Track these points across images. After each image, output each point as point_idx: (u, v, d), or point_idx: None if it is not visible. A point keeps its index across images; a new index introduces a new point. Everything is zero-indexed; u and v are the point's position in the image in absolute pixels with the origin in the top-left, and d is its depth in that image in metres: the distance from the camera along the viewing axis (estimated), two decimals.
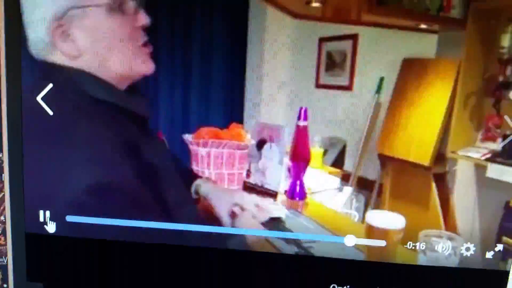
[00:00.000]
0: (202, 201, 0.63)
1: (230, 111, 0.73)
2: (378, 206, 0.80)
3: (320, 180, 0.75)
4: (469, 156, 0.65)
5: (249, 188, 0.71)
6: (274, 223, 0.66)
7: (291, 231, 0.64)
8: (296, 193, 0.69)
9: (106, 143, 0.50)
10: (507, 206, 0.60)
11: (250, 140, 0.66)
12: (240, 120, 0.71)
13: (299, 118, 0.64)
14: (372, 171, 0.80)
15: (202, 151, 0.63)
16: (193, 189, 0.63)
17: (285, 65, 0.80)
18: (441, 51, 0.64)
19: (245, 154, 0.66)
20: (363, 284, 0.58)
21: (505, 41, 0.55)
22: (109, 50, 0.49)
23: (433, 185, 0.73)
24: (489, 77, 0.59)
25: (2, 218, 0.64)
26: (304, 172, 0.68)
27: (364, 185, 0.80)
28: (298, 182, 0.68)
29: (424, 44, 0.63)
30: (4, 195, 0.61)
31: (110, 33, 0.49)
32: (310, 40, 0.77)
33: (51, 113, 0.53)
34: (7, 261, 0.64)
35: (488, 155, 0.62)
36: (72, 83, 0.50)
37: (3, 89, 0.57)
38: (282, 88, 0.80)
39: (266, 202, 0.64)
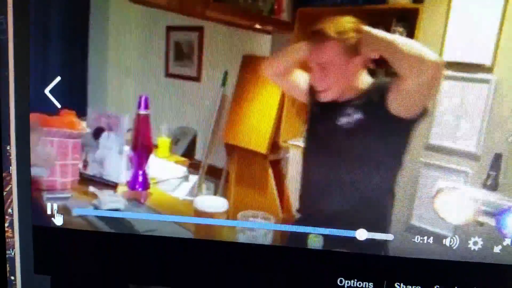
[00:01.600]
0: None
1: (64, 97, 0.68)
2: (225, 192, 0.85)
3: (166, 169, 0.75)
4: (298, 145, 0.74)
5: (87, 180, 0.68)
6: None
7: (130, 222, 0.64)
8: (139, 183, 0.68)
9: None
10: None
11: (85, 128, 0.63)
12: (79, 108, 0.67)
13: (139, 106, 0.63)
14: (221, 160, 0.84)
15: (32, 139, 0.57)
16: None
17: (132, 52, 0.78)
18: (275, 50, 0.70)
19: (79, 143, 0.62)
20: (371, 277, 0.60)
21: None
22: None
23: (270, 170, 0.81)
24: None
25: (10, 210, 0.63)
26: (147, 162, 0.67)
27: (213, 173, 0.84)
28: (140, 172, 0.67)
29: (260, 43, 0.68)
30: (11, 187, 0.61)
31: None
32: (158, 28, 0.76)
33: None
34: (14, 254, 0.63)
35: None
36: None
37: (11, 82, 0.57)
38: (129, 75, 0.78)
39: (105, 193, 0.63)
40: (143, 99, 0.62)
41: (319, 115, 0.65)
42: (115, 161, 0.66)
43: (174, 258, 0.62)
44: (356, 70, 0.61)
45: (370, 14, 0.60)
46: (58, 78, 0.66)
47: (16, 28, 0.57)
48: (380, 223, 0.64)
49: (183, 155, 0.85)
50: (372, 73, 0.63)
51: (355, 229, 0.61)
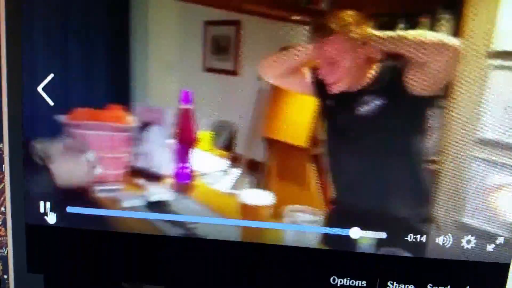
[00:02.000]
0: None
1: (112, 92, 0.70)
2: (266, 186, 0.84)
3: (208, 162, 0.76)
4: None
5: (135, 172, 0.70)
6: (160, 206, 0.66)
7: (178, 214, 0.64)
8: (183, 176, 0.69)
9: None
10: None
11: (132, 122, 0.65)
12: (122, 102, 0.69)
13: (181, 100, 0.64)
14: (260, 154, 0.84)
15: (77, 133, 0.60)
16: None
17: (172, 47, 0.79)
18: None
19: (126, 137, 0.64)
20: (364, 276, 0.60)
21: None
22: None
23: (311, 165, 0.80)
24: None
25: (3, 209, 0.63)
26: (190, 155, 0.68)
27: (253, 167, 0.84)
28: (184, 165, 0.69)
29: (298, 34, 0.68)
30: (4, 185, 0.60)
31: None
32: (195, 23, 0.77)
33: None
34: (7, 252, 0.63)
35: None
36: None
37: (4, 79, 0.57)
38: (169, 70, 0.79)
39: (152, 185, 0.64)
40: (184, 93, 0.63)
41: (335, 108, 0.63)
42: (160, 154, 0.67)
43: (167, 256, 0.62)
44: (365, 59, 0.59)
45: (415, 1, 0.58)
46: (103, 73, 0.68)
47: (8, 28, 0.57)
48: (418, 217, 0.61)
49: (223, 148, 0.85)
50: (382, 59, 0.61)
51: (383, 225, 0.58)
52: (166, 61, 0.76)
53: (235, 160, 0.81)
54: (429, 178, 0.60)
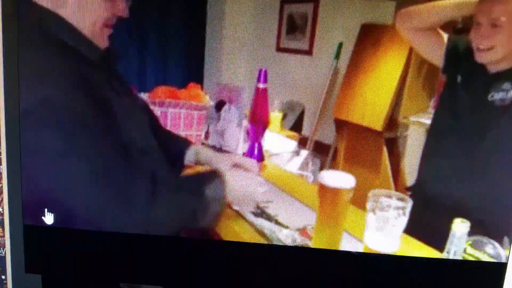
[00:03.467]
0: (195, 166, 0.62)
1: (189, 70, 0.71)
2: (333, 169, 0.83)
3: (278, 143, 0.76)
4: (421, 122, 0.68)
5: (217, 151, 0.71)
6: None
7: None
8: (254, 155, 0.69)
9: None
10: None
11: (209, 101, 0.65)
12: (199, 80, 0.70)
13: (258, 80, 0.63)
14: (328, 136, 0.82)
15: (158, 111, 0.61)
16: (189, 156, 0.62)
17: (247, 26, 0.78)
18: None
19: (203, 115, 0.65)
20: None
21: None
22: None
23: (385, 149, 0.76)
24: None
25: (0, 209, 0.63)
26: (263, 135, 0.68)
27: (320, 149, 0.82)
28: (256, 145, 0.69)
29: (382, 10, 0.64)
30: (1, 186, 0.60)
31: None
32: (273, 1, 0.76)
33: None
34: (5, 253, 0.64)
35: None
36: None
37: (1, 81, 0.57)
38: (242, 49, 0.79)
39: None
40: (262, 72, 0.62)
41: (463, 86, 0.58)
42: (234, 133, 0.68)
43: (165, 257, 0.60)
44: None
45: None
46: (181, 52, 0.69)
47: (4, 27, 0.55)
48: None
49: (293, 129, 0.84)
50: None
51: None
52: (240, 41, 0.76)
53: (303, 142, 0.80)
54: None
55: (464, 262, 0.53)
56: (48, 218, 0.56)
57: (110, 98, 0.52)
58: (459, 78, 0.59)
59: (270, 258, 0.58)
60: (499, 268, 0.55)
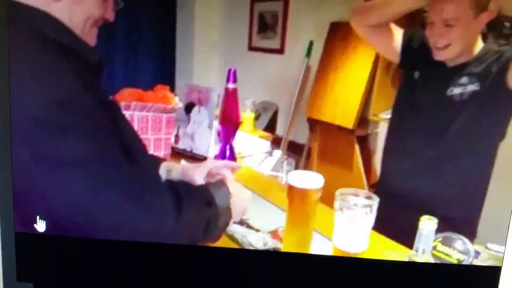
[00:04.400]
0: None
1: (157, 72, 0.70)
2: (306, 168, 0.83)
3: (251, 144, 0.75)
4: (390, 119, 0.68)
5: (177, 154, 0.69)
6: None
7: None
8: (226, 158, 0.68)
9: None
10: None
11: (178, 103, 0.64)
12: (168, 82, 0.68)
13: (228, 80, 0.62)
14: (302, 135, 0.82)
15: (125, 114, 0.59)
16: (163, 174, 0.58)
17: (218, 26, 0.77)
18: None
19: (172, 118, 0.64)
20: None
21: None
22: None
23: (356, 147, 0.77)
24: None
25: None
26: (234, 136, 0.67)
27: (294, 149, 0.82)
28: (228, 147, 0.68)
29: (352, 7, 0.63)
30: None
31: None
32: (242, 0, 0.75)
33: None
34: None
35: None
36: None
37: None
38: (214, 49, 0.78)
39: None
40: (232, 72, 0.61)
41: (422, 82, 0.58)
42: (204, 135, 0.66)
43: (157, 264, 0.60)
44: (478, 29, 0.54)
45: None
46: (149, 53, 0.67)
47: None
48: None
49: (265, 130, 0.84)
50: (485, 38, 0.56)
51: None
52: (212, 41, 0.75)
53: (277, 142, 0.80)
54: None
55: (457, 267, 0.53)
56: (40, 226, 0.54)
57: (104, 99, 0.50)
58: (416, 74, 0.59)
59: (240, 262, 0.58)
60: (494, 272, 0.56)
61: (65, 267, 0.62)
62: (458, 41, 0.54)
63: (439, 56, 0.55)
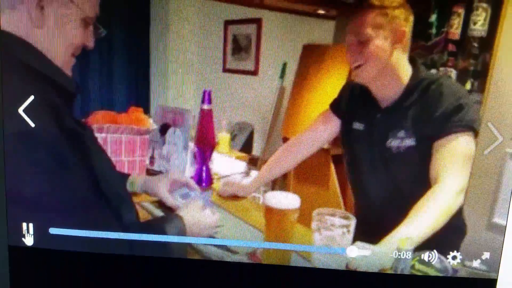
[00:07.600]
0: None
1: (131, 94, 0.69)
2: (283, 189, 0.82)
3: (227, 165, 0.74)
4: None
5: (153, 175, 0.68)
6: None
7: None
8: (202, 179, 0.67)
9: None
10: None
11: (152, 124, 0.63)
12: (142, 104, 0.67)
13: (203, 101, 0.62)
14: None
15: (98, 137, 0.58)
16: (128, 187, 0.58)
17: (192, 48, 0.78)
18: (339, 37, 0.66)
19: (146, 140, 0.63)
20: None
21: None
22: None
23: (332, 166, 0.77)
24: None
25: None
26: (210, 158, 0.67)
27: None
28: (204, 168, 0.67)
29: (322, 30, 0.66)
30: None
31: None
32: (216, 23, 0.76)
33: None
34: None
35: None
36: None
37: None
38: (189, 71, 0.78)
39: None
40: (206, 93, 0.61)
41: (361, 134, 0.61)
42: (180, 156, 0.65)
43: (150, 278, 0.59)
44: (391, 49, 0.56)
45: None
46: (123, 75, 0.66)
47: None
48: None
49: (241, 150, 0.84)
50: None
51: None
52: (186, 63, 0.75)
53: (253, 162, 0.79)
54: None
55: (452, 279, 0.53)
56: (28, 239, 0.55)
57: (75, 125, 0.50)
58: (356, 125, 0.61)
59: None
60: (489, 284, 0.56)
61: (59, 281, 0.61)
62: (372, 58, 0.55)
63: (356, 77, 0.57)
